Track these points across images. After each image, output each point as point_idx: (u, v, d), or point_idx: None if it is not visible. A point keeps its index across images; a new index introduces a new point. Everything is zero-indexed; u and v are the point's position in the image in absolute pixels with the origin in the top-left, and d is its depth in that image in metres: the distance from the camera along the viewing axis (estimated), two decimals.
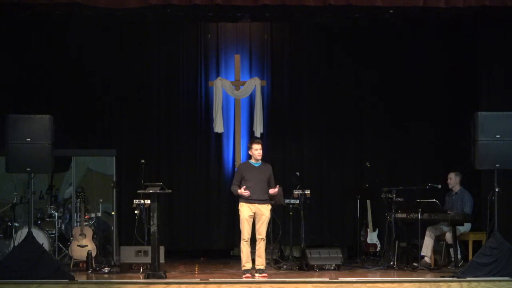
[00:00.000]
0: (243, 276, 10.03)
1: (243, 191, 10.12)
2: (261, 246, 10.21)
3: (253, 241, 10.25)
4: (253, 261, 10.23)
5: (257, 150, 10.32)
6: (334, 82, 13.30)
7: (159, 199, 10.07)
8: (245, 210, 10.18)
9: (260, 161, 10.37)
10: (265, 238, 10.25)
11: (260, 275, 10.08)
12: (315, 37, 13.35)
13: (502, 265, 9.66)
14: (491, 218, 9.83)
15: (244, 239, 10.15)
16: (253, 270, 10.19)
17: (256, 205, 10.17)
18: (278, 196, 10.47)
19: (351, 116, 13.31)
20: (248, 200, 10.16)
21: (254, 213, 10.17)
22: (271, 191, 10.20)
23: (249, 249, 10.20)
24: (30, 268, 9.48)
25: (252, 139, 11.23)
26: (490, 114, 9.96)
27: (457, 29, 12.66)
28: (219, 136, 13.12)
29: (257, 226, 10.20)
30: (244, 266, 10.17)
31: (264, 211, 10.21)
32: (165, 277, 9.77)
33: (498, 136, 9.79)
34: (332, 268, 10.76)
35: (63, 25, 12.56)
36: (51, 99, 12.77)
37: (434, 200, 10.86)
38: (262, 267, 10.21)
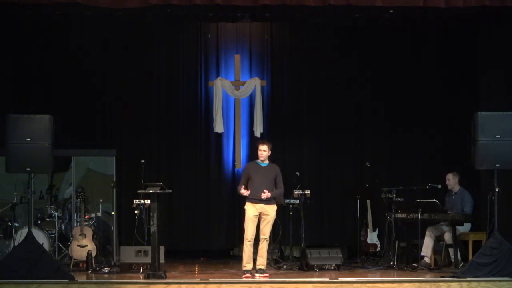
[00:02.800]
0: (243, 276, 10.03)
1: (243, 191, 10.13)
2: (263, 246, 10.20)
3: (255, 241, 10.23)
4: (254, 260, 10.23)
5: (260, 151, 10.32)
6: (334, 82, 13.30)
7: (159, 199, 10.07)
8: (250, 210, 10.17)
9: (267, 162, 10.36)
10: (268, 238, 10.24)
11: (261, 275, 10.07)
12: (315, 37, 13.34)
13: (502, 265, 9.65)
14: (491, 218, 9.82)
15: (247, 239, 10.12)
16: (253, 270, 10.19)
17: (262, 205, 10.15)
18: (278, 196, 10.45)
19: (351, 116, 13.31)
20: (254, 200, 10.15)
21: (260, 213, 10.17)
22: (263, 195, 10.08)
23: (251, 249, 10.17)
24: (30, 268, 9.47)
25: (259, 139, 11.20)
26: (490, 114, 9.95)
27: (457, 29, 12.65)
28: (219, 136, 13.12)
29: (261, 226, 10.19)
30: (244, 266, 10.15)
31: (270, 211, 10.19)
32: (165, 277, 9.77)
33: (498, 136, 9.79)
34: (332, 268, 10.76)
35: (63, 25, 12.56)
36: (51, 99, 12.76)
37: (434, 200, 10.86)
38: (263, 267, 10.20)
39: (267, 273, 10.18)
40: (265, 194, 10.06)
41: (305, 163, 13.28)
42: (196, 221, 13.17)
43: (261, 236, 10.19)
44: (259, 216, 10.17)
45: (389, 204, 11.30)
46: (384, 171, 13.03)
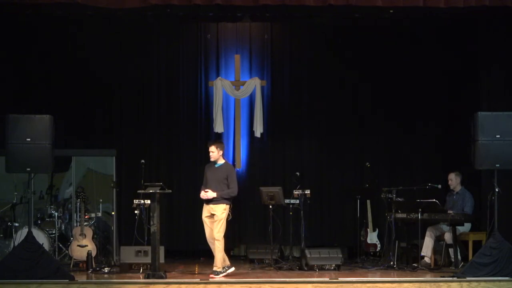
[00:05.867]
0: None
1: (201, 195, 10.22)
2: (214, 247, 10.16)
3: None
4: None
5: (209, 153, 10.36)
6: (334, 82, 13.30)
7: (159, 199, 10.07)
8: (203, 212, 10.30)
9: (222, 161, 10.38)
10: (219, 239, 10.09)
11: (215, 276, 9.97)
12: (315, 37, 13.34)
13: (502, 265, 9.66)
14: (491, 218, 9.83)
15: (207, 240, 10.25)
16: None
17: (211, 205, 10.21)
18: (227, 196, 10.32)
19: (351, 116, 13.30)
20: (205, 201, 10.22)
21: (212, 214, 10.19)
22: (202, 195, 10.19)
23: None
24: (30, 268, 9.48)
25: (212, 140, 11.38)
26: (490, 114, 9.96)
27: (457, 29, 12.65)
28: (219, 136, 13.10)
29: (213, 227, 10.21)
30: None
31: (216, 210, 10.16)
32: (165, 277, 9.78)
33: (498, 136, 9.80)
34: (332, 268, 10.76)
35: (63, 25, 12.56)
36: (51, 99, 12.76)
37: (434, 200, 10.86)
38: (215, 268, 10.11)
39: (218, 275, 10.00)
40: (204, 195, 10.14)
41: (305, 163, 13.27)
42: (196, 221, 13.07)
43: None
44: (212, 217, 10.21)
45: (389, 204, 11.29)
46: (384, 171, 13.04)
